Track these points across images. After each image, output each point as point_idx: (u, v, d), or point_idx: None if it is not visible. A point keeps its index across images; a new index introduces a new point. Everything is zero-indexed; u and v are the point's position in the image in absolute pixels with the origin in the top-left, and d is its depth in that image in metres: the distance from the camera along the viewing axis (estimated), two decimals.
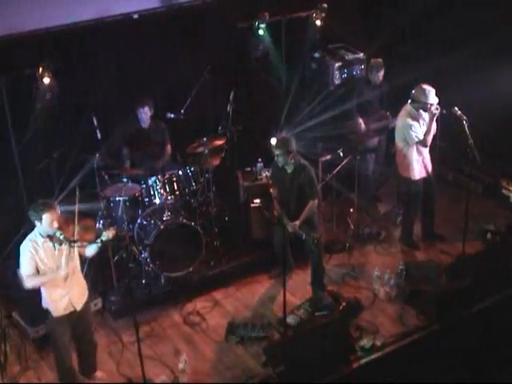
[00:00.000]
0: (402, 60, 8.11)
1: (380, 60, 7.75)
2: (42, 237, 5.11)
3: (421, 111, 6.82)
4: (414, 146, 6.90)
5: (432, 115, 6.73)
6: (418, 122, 6.82)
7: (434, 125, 6.81)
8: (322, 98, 7.96)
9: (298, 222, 6.32)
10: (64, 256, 5.17)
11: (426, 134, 6.82)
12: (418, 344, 5.93)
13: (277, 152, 6.29)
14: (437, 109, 6.70)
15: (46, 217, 5.00)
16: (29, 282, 5.17)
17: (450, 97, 6.92)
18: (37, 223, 5.06)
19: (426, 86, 6.73)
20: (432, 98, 6.70)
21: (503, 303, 6.18)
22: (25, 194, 6.78)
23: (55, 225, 5.05)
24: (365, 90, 7.79)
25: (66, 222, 5.18)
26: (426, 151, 6.99)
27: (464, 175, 7.91)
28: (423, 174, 7.06)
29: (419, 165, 7.01)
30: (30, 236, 5.17)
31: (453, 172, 8.17)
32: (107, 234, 5.21)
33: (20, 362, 5.97)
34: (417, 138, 6.81)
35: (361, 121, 7.73)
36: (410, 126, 6.79)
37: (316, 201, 6.45)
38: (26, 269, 5.13)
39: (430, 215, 7.45)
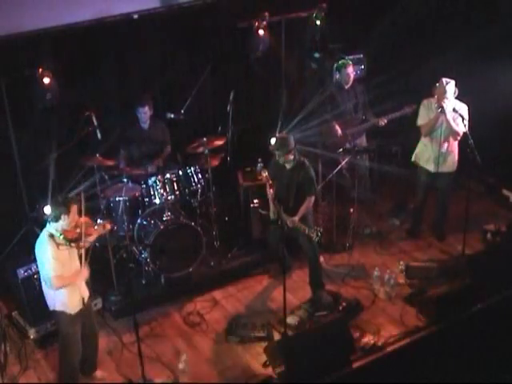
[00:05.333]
0: (402, 60, 8.12)
1: (344, 60, 7.76)
2: (60, 234, 5.04)
3: (433, 102, 6.89)
4: (422, 131, 7.05)
5: (439, 110, 6.76)
6: (427, 110, 6.92)
7: (453, 121, 6.80)
8: (320, 98, 7.94)
9: (297, 218, 6.33)
10: (79, 254, 5.17)
11: (426, 124, 6.91)
12: (418, 344, 5.93)
13: (276, 152, 6.33)
14: (438, 107, 6.72)
15: (73, 208, 5.03)
16: (58, 283, 5.06)
17: None
18: (63, 216, 5.00)
19: (443, 80, 6.76)
20: (444, 93, 6.70)
21: (503, 303, 6.18)
22: (25, 194, 6.78)
23: (77, 218, 5.09)
24: (336, 93, 7.75)
25: None
26: (437, 145, 6.95)
27: (464, 175, 7.91)
28: (423, 163, 7.13)
29: (424, 152, 7.10)
30: (46, 233, 5.08)
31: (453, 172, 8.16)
32: (104, 228, 5.34)
33: (20, 362, 5.96)
34: (418, 121, 7.00)
35: (337, 127, 7.69)
36: (420, 109, 7.01)
37: (313, 197, 6.46)
38: (53, 268, 5.00)
39: (438, 212, 7.48)
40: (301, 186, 6.38)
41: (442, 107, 6.69)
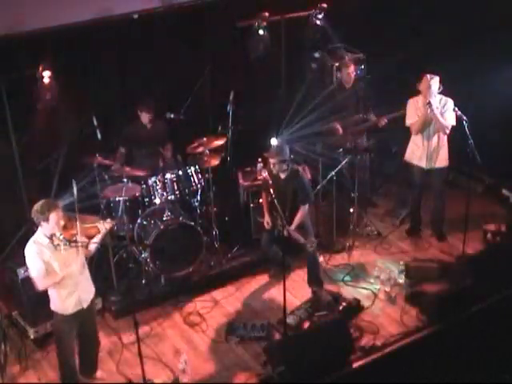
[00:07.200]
0: (402, 60, 8.10)
1: (345, 60, 7.75)
2: (47, 238, 5.02)
3: (419, 100, 6.95)
4: (412, 130, 7.09)
5: (425, 107, 6.80)
6: (414, 108, 6.97)
7: (441, 116, 6.82)
8: (321, 98, 7.93)
9: (292, 227, 6.39)
10: (72, 254, 5.13)
11: (415, 122, 6.96)
12: (418, 344, 5.93)
13: (272, 161, 6.36)
14: (427, 104, 6.76)
15: (52, 216, 4.94)
16: (41, 283, 5.08)
17: (450, 97, 6.93)
18: (43, 223, 4.97)
19: (427, 76, 6.81)
20: (429, 89, 6.76)
21: (503, 303, 6.18)
22: (25, 194, 6.78)
23: (61, 223, 5.02)
24: (337, 93, 7.72)
25: (69, 220, 5.16)
26: (427, 141, 7.01)
27: (464, 175, 7.91)
28: (416, 162, 7.17)
29: (416, 150, 7.14)
30: (33, 238, 5.08)
31: (453, 172, 8.18)
32: (104, 226, 5.29)
33: (20, 362, 5.96)
34: (407, 121, 7.06)
35: (338, 126, 7.67)
36: (407, 109, 7.05)
37: (307, 206, 6.49)
38: (35, 270, 5.01)
39: (436, 210, 7.48)
40: (296, 193, 6.42)
41: (429, 103, 6.74)
